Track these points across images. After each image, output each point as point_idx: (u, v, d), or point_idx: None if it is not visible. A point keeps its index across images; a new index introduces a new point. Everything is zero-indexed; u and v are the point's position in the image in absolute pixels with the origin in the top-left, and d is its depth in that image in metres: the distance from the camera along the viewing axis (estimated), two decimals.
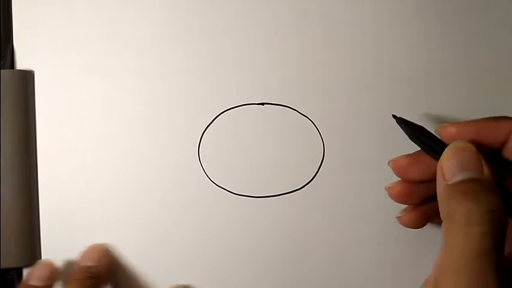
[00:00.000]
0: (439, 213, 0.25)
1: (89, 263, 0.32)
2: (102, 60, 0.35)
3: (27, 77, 0.34)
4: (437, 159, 0.26)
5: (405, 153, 0.32)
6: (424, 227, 0.31)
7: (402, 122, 0.30)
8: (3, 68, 0.34)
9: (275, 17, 0.35)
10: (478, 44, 0.35)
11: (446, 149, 0.26)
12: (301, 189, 0.34)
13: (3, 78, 0.33)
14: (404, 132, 0.30)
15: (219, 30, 0.35)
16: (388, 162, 0.30)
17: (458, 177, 0.24)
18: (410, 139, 0.29)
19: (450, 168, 0.25)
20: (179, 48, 0.35)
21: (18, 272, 0.34)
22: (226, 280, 0.34)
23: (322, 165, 0.34)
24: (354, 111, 0.34)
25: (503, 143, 0.26)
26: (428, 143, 0.28)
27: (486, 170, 0.24)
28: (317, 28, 0.35)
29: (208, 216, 0.34)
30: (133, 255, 0.34)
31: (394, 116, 0.31)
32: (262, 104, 0.35)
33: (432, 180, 0.27)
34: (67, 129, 0.34)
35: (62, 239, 0.34)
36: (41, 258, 0.34)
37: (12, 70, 0.34)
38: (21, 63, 0.34)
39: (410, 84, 0.35)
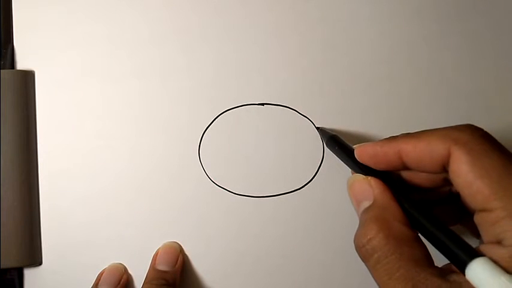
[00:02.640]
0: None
1: (164, 268, 0.32)
2: (102, 61, 0.35)
3: (28, 77, 0.34)
4: (349, 167, 0.28)
5: None
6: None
7: (319, 132, 0.33)
8: (4, 68, 0.34)
9: (275, 17, 0.35)
10: (478, 44, 0.35)
11: (347, 183, 0.27)
12: (301, 189, 0.34)
13: (3, 78, 0.33)
14: (322, 140, 0.33)
15: (219, 31, 0.35)
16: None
17: (360, 210, 0.25)
18: (327, 146, 0.32)
19: (352, 200, 0.26)
20: (179, 49, 0.35)
21: (18, 272, 0.34)
22: (225, 279, 0.34)
23: (321, 166, 0.34)
24: (354, 112, 0.34)
25: (443, 166, 0.23)
26: (341, 152, 0.29)
27: (376, 191, 0.25)
28: (317, 29, 0.35)
29: (208, 215, 0.34)
30: (133, 254, 0.34)
31: (317, 128, 0.34)
32: (262, 104, 0.35)
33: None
34: (67, 129, 0.34)
35: (62, 239, 0.34)
36: (41, 258, 0.34)
37: (12, 70, 0.34)
38: (21, 63, 0.34)
39: (410, 84, 0.35)
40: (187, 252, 0.34)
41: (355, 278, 0.34)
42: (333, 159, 0.34)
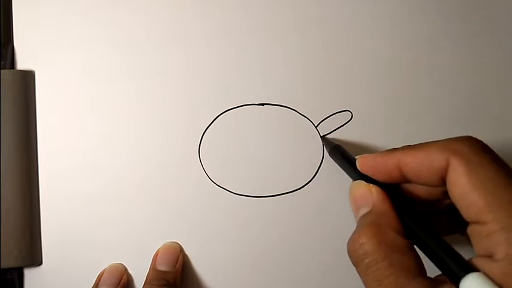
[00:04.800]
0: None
1: (164, 268, 0.32)
2: (102, 61, 0.35)
3: (28, 77, 0.34)
4: (351, 178, 0.28)
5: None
6: None
7: (323, 141, 0.34)
8: (4, 68, 0.34)
9: (275, 17, 0.35)
10: (479, 44, 0.35)
11: (349, 190, 0.27)
12: (301, 189, 0.34)
13: (3, 78, 0.33)
14: (325, 149, 0.33)
15: (219, 31, 0.35)
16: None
17: (358, 216, 0.26)
18: (329, 155, 0.32)
19: (352, 206, 0.27)
20: (180, 49, 0.35)
21: (18, 272, 0.34)
22: (225, 278, 0.34)
23: (321, 166, 0.34)
24: (354, 112, 0.34)
25: (442, 178, 0.23)
26: (343, 162, 0.30)
27: (375, 198, 0.25)
28: (317, 29, 0.35)
29: (208, 215, 0.34)
30: (133, 254, 0.34)
31: (321, 137, 0.34)
32: (262, 104, 0.35)
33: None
34: (67, 129, 0.34)
35: (62, 239, 0.34)
36: (41, 258, 0.34)
37: (12, 70, 0.34)
38: (21, 63, 0.34)
39: (410, 84, 0.35)
40: (187, 252, 0.34)
41: (355, 278, 0.34)
42: (332, 160, 0.34)
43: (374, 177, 0.26)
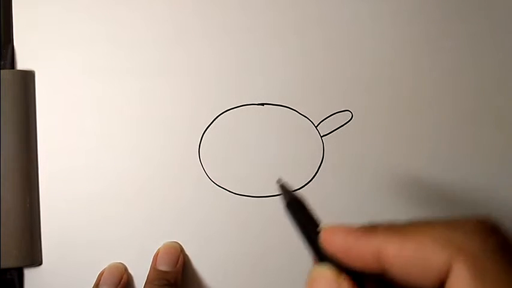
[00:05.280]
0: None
1: (165, 268, 0.32)
2: (102, 60, 0.35)
3: (28, 77, 0.34)
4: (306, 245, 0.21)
5: (405, 153, 0.32)
6: None
7: (283, 190, 0.24)
8: (4, 68, 0.34)
9: (275, 17, 0.35)
10: (480, 44, 0.35)
11: (308, 276, 0.19)
12: (301, 189, 0.34)
13: (3, 78, 0.33)
14: (282, 200, 0.23)
15: (220, 31, 0.35)
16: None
17: None
18: (284, 209, 0.23)
19: None
20: (179, 49, 0.35)
21: (18, 272, 0.34)
22: (226, 278, 0.34)
23: (321, 166, 0.34)
24: (354, 112, 0.34)
25: (440, 282, 0.16)
26: (303, 226, 0.21)
27: None
28: (317, 28, 0.35)
29: (208, 215, 0.34)
30: (134, 254, 0.34)
31: (278, 181, 0.24)
32: (262, 104, 0.35)
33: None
34: (67, 129, 0.34)
35: (62, 239, 0.34)
36: (41, 258, 0.34)
37: (12, 70, 0.34)
38: (21, 63, 0.34)
39: (411, 84, 0.35)
40: (187, 252, 0.34)
41: None
42: (333, 159, 0.34)
43: (344, 262, 0.19)
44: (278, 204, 0.34)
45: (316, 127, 0.34)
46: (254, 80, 0.35)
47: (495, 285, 0.15)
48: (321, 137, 0.34)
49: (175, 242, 0.34)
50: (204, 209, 0.34)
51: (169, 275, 0.32)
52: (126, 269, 0.33)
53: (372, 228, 0.18)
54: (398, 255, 0.17)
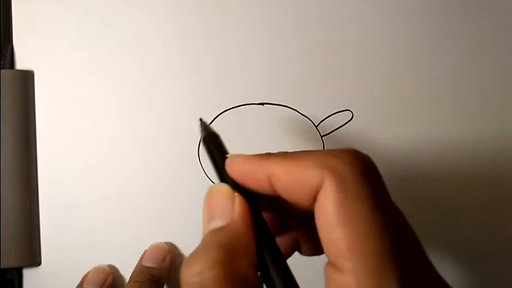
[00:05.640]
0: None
1: (151, 264, 0.32)
2: (102, 60, 0.35)
3: (27, 77, 0.34)
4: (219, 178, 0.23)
5: (405, 153, 0.31)
6: None
7: (201, 126, 0.26)
8: (3, 68, 0.34)
9: (276, 17, 0.35)
10: (480, 44, 0.35)
11: (207, 191, 0.22)
12: None
13: (3, 78, 0.33)
14: (200, 134, 0.26)
15: (220, 31, 0.35)
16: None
17: (208, 227, 0.21)
18: (202, 143, 0.25)
19: (204, 213, 0.21)
20: (180, 48, 0.35)
21: (18, 272, 0.34)
22: None
23: None
24: (355, 111, 0.34)
25: (314, 199, 0.19)
26: (214, 155, 0.24)
27: (236, 212, 0.20)
28: (318, 28, 0.35)
29: None
30: (133, 254, 0.34)
31: (200, 119, 0.27)
32: (263, 103, 0.35)
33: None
34: (67, 129, 0.34)
35: (62, 239, 0.34)
36: (40, 258, 0.34)
37: (12, 70, 0.34)
38: (21, 63, 0.34)
39: (411, 84, 0.35)
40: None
41: None
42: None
43: (243, 185, 0.21)
44: None
45: (316, 127, 0.34)
46: (254, 79, 0.35)
47: (353, 197, 0.18)
48: (321, 137, 0.34)
49: (162, 242, 0.34)
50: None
51: (154, 270, 0.32)
52: (111, 271, 0.33)
53: (266, 155, 0.21)
54: (284, 175, 0.19)
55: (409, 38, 0.35)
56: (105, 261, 0.34)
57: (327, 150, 0.20)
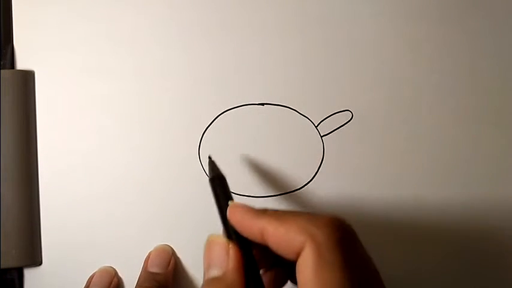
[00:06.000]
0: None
1: (156, 270, 0.32)
2: (102, 60, 0.35)
3: (28, 77, 0.34)
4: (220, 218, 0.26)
5: (405, 153, 0.32)
6: None
7: (210, 165, 0.30)
8: (3, 68, 0.34)
9: (276, 17, 0.35)
10: (480, 44, 0.35)
11: (206, 240, 0.25)
12: (301, 189, 0.34)
13: (3, 78, 0.33)
14: (208, 174, 0.30)
15: (220, 31, 0.35)
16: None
17: (208, 275, 0.24)
18: (209, 182, 0.28)
19: (204, 260, 0.25)
20: (179, 49, 0.35)
21: (18, 272, 0.34)
22: None
23: (321, 166, 0.34)
24: (355, 112, 0.34)
25: (294, 259, 0.22)
26: (219, 198, 0.27)
27: (230, 265, 0.23)
28: (318, 28, 0.35)
29: (208, 215, 0.34)
30: (133, 255, 0.34)
31: (209, 157, 0.30)
32: (262, 104, 0.35)
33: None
34: (67, 129, 0.34)
35: (62, 239, 0.34)
36: (41, 258, 0.34)
37: (12, 70, 0.34)
38: (21, 63, 0.34)
39: (412, 84, 0.35)
40: (187, 253, 0.34)
41: None
42: (333, 159, 0.34)
43: (240, 233, 0.24)
44: (278, 204, 0.34)
45: (316, 127, 0.34)
46: (254, 79, 0.35)
47: (327, 264, 0.20)
48: (321, 137, 0.34)
49: (166, 245, 0.34)
50: (204, 209, 0.34)
51: (160, 276, 0.32)
52: (116, 273, 0.34)
53: (262, 212, 0.24)
54: (274, 234, 0.23)
55: (409, 38, 0.35)
56: (107, 260, 0.34)
57: (313, 214, 0.22)
